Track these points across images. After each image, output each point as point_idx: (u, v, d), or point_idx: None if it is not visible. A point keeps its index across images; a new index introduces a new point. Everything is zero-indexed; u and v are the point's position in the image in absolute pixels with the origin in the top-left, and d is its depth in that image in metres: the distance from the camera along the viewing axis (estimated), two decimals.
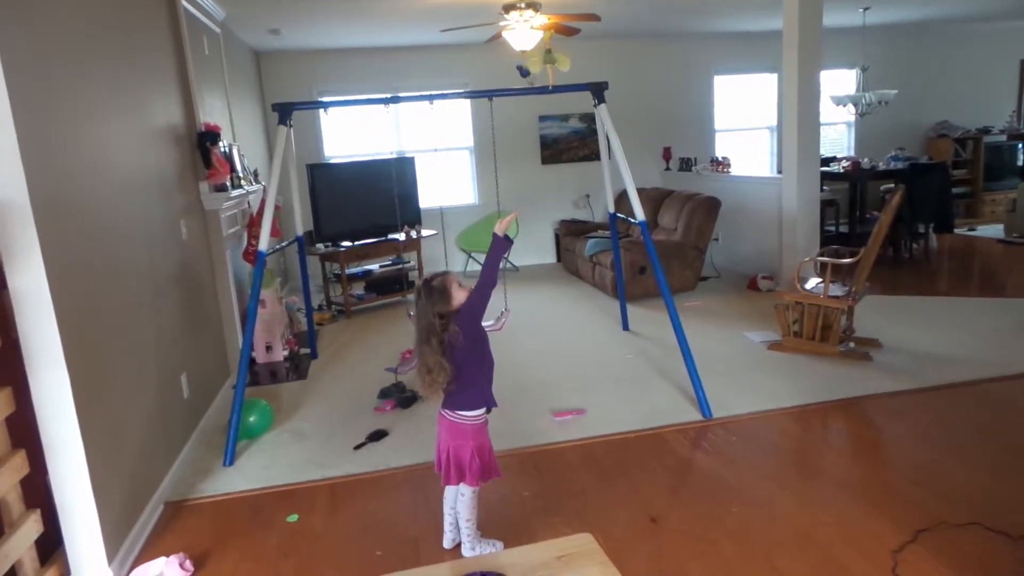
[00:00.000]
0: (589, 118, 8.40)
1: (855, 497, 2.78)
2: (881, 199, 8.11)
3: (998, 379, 3.90)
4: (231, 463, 3.46)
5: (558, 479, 3.12)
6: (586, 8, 5.85)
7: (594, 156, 8.53)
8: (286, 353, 5.26)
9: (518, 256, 8.33)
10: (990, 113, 9.39)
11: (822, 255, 4.55)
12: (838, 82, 8.76)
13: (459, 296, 2.38)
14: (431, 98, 4.10)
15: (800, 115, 5.79)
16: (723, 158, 7.43)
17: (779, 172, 8.23)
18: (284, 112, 3.92)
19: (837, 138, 9.32)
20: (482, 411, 2.46)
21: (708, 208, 6.25)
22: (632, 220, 4.24)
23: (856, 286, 4.37)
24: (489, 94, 4.13)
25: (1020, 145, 9.27)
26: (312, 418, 4.04)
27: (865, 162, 7.37)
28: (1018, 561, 2.33)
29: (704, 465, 3.15)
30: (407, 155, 7.38)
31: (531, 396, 4.10)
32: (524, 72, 5.65)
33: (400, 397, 4.15)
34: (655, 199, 7.08)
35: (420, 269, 6.92)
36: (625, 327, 5.40)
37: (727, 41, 8.52)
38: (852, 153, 8.93)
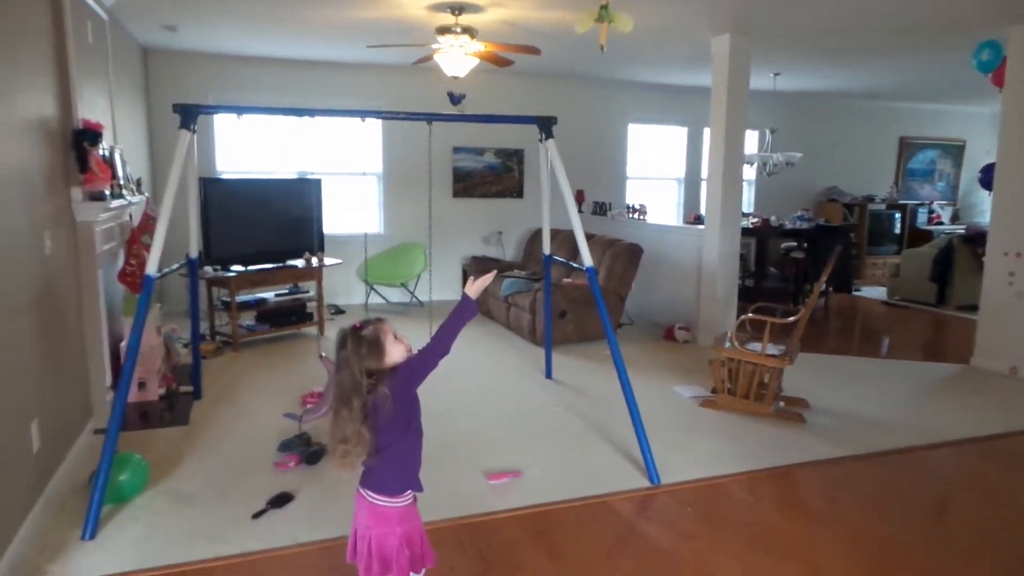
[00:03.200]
0: (505, 153, 8.19)
1: None
2: (782, 256, 8.38)
3: (929, 447, 3.89)
4: (92, 536, 2.78)
5: (503, 559, 2.70)
6: (517, 41, 5.62)
7: (508, 193, 8.31)
8: (162, 391, 4.52)
9: (424, 290, 7.87)
10: (873, 183, 10.06)
11: (756, 311, 4.45)
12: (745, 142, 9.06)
13: (394, 352, 1.93)
14: (363, 114, 3.66)
15: (726, 170, 5.81)
16: (640, 205, 7.40)
17: (686, 223, 8.36)
18: (188, 115, 3.34)
19: None
20: (408, 494, 2.00)
21: (631, 255, 6.12)
22: (575, 265, 3.96)
23: (792, 345, 4.30)
24: (429, 117, 3.74)
25: (897, 215, 9.96)
26: (197, 475, 3.39)
27: (773, 220, 7.57)
28: None
29: (662, 542, 2.84)
30: (311, 176, 6.82)
31: (459, 453, 3.66)
32: (455, 99, 5.34)
33: (306, 451, 3.59)
34: (571, 242, 6.85)
35: (320, 300, 6.33)
36: (548, 375, 5.08)
37: (642, 91, 8.61)
38: (751, 210, 9.23)
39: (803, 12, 4.93)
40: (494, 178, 8.23)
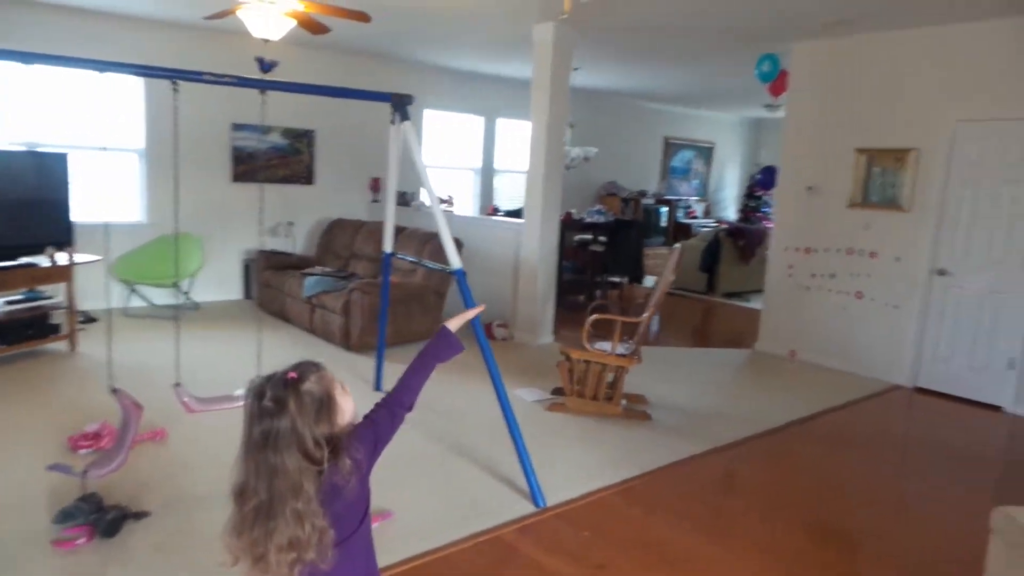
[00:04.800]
0: (293, 134, 7.32)
1: None
2: (576, 248, 8.61)
3: (763, 434, 4.13)
4: None
5: None
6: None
7: (296, 179, 7.45)
8: None
9: (200, 291, 6.75)
10: (644, 179, 10.83)
11: (595, 311, 4.37)
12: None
13: (347, 408, 1.42)
14: (175, 76, 2.83)
15: (547, 163, 5.69)
16: (448, 196, 7.06)
17: (483, 214, 8.23)
18: None
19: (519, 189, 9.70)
20: None
21: None
22: (430, 265, 3.51)
23: (637, 343, 4.29)
24: (263, 85, 3.01)
25: (664, 209, 10.84)
26: None
27: (574, 213, 7.71)
28: None
29: None
30: (45, 149, 5.41)
31: None
32: (265, 66, 4.55)
33: (100, 519, 2.70)
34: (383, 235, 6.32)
35: (71, 307, 5.04)
36: (378, 387, 4.54)
37: (441, 77, 8.25)
38: None
39: (632, 8, 4.94)
40: (281, 161, 7.32)
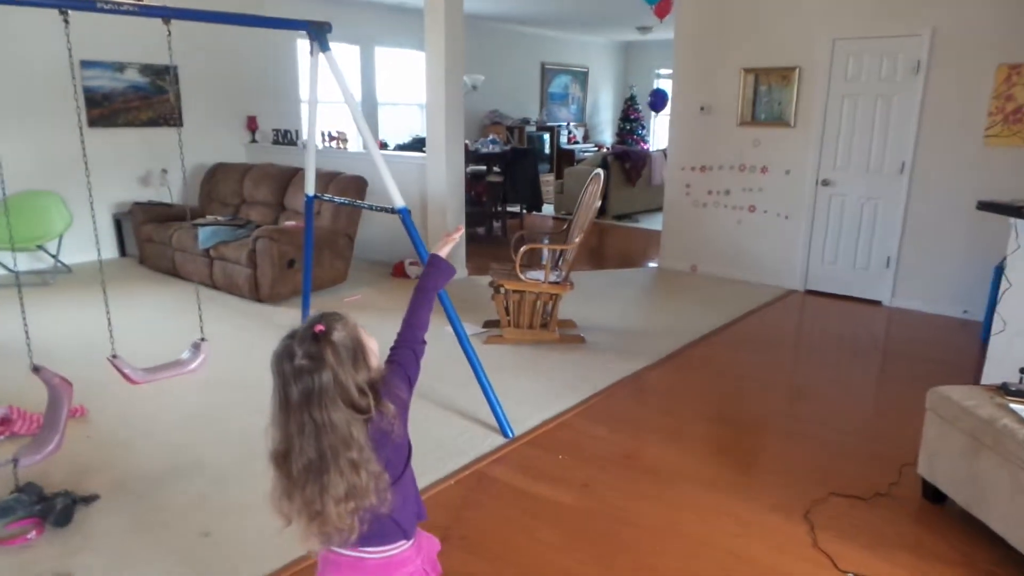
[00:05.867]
0: (153, 71, 6.60)
1: (728, 494, 2.70)
2: (470, 180, 8.51)
3: (690, 345, 4.40)
4: None
5: None
6: None
7: (163, 120, 6.76)
8: None
9: (68, 252, 6.07)
10: (525, 106, 10.79)
11: (520, 241, 4.39)
12: (413, 64, 8.80)
13: (375, 348, 1.40)
14: (64, 5, 2.44)
15: (448, 92, 5.53)
16: (339, 132, 6.70)
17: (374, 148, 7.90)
18: None
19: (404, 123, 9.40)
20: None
21: (358, 189, 5.51)
22: (362, 205, 3.35)
23: (567, 271, 4.37)
24: (163, 12, 2.65)
25: (546, 135, 10.91)
26: None
27: (468, 144, 7.58)
28: (882, 517, 2.55)
29: (567, 502, 2.65)
30: None
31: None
32: None
33: (48, 508, 2.45)
34: (277, 177, 5.95)
35: None
36: None
37: (307, 3, 7.66)
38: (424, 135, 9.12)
39: None
40: (143, 102, 6.60)
